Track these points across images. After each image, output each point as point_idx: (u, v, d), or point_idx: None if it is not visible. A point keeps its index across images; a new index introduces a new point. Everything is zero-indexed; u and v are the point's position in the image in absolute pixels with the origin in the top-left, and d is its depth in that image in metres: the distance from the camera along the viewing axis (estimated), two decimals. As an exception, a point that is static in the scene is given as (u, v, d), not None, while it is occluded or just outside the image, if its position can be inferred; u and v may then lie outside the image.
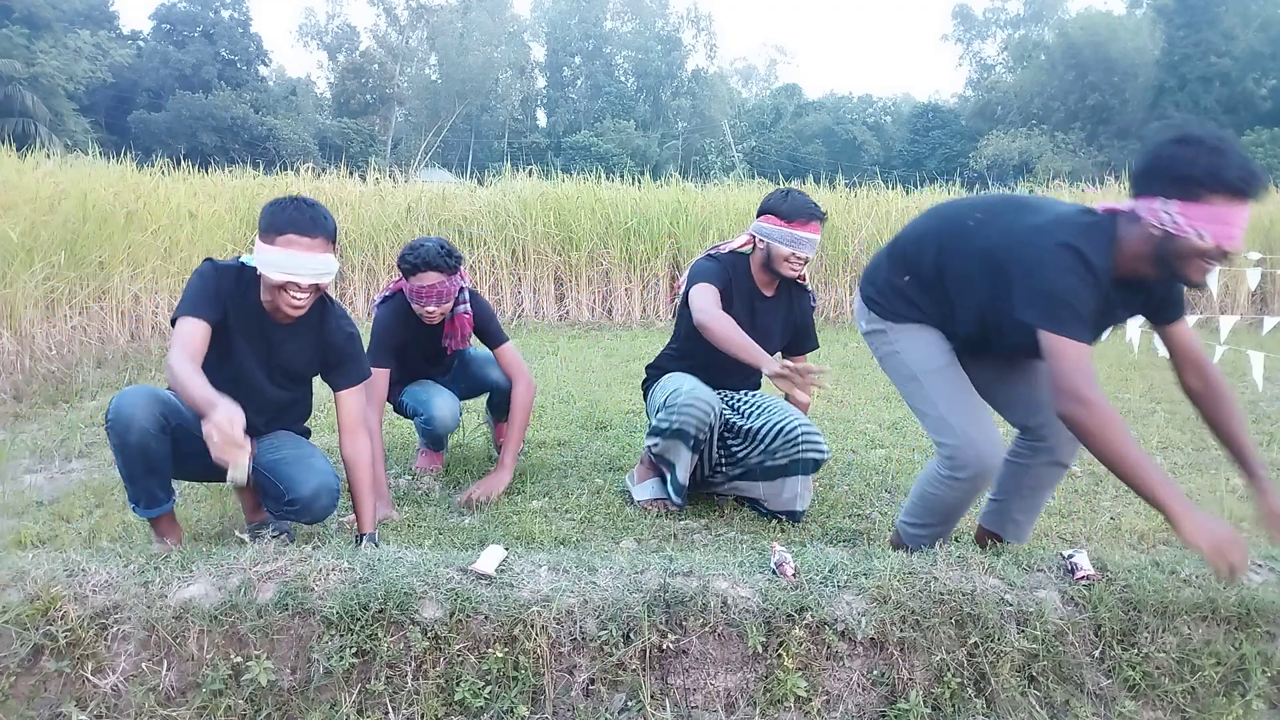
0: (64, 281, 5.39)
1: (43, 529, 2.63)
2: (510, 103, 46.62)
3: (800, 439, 2.73)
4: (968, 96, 48.32)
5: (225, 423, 1.83)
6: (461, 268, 2.95)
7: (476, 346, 3.34)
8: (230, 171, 9.33)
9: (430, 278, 2.84)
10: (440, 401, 3.14)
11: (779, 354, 2.98)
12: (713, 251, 2.94)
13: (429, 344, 3.14)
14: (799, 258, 2.78)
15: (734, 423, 2.87)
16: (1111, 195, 9.92)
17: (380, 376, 2.87)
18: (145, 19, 56.21)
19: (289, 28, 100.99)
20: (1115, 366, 5.87)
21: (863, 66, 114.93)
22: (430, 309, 2.89)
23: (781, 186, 2.85)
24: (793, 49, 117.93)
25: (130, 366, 5.32)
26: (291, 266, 2.13)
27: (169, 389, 2.21)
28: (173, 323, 2.20)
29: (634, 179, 9.56)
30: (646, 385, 3.07)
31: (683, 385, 2.79)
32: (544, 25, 50.44)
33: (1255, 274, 5.66)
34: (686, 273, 2.89)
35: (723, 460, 2.88)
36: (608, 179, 9.54)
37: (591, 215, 8.34)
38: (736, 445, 2.85)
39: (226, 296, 2.23)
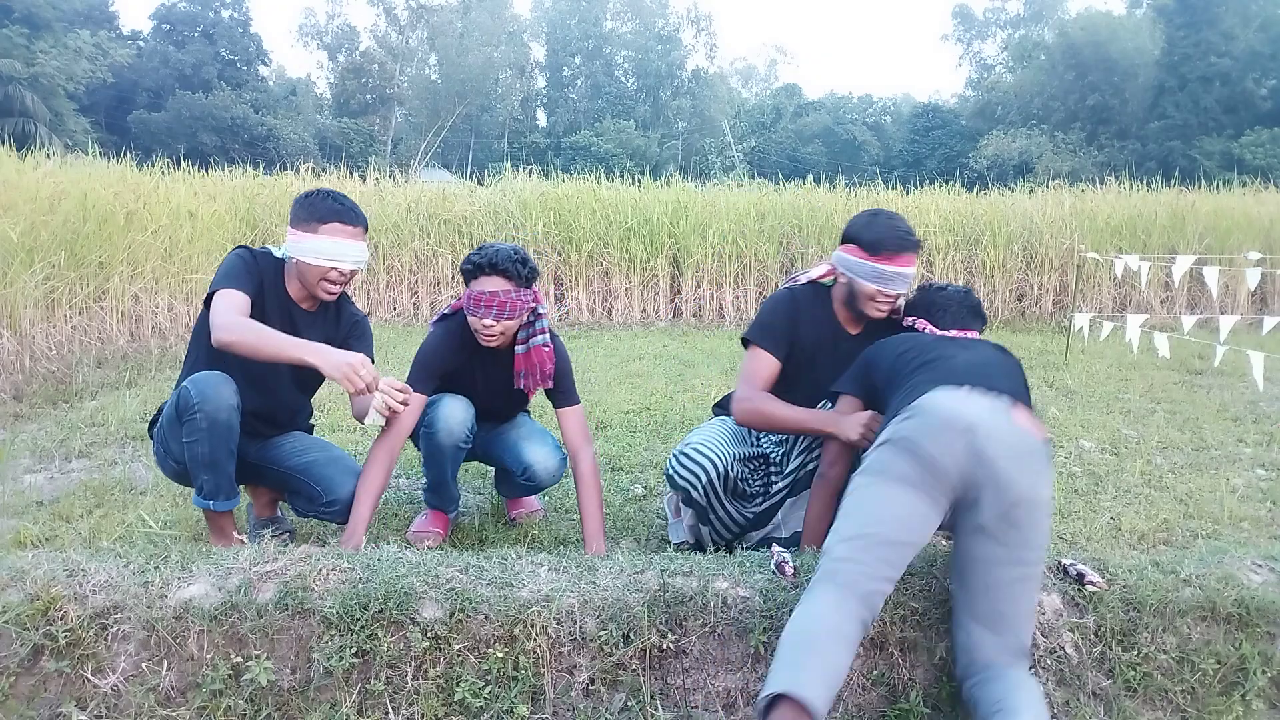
0: (64, 281, 5.39)
1: (43, 529, 2.63)
2: (510, 103, 46.61)
3: None
4: (968, 96, 48.32)
5: (365, 365, 2.02)
6: (536, 289, 2.46)
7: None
8: (230, 171, 9.32)
9: (493, 283, 2.34)
10: (450, 404, 2.48)
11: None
12: (790, 283, 2.50)
13: (490, 383, 2.56)
14: (887, 296, 2.28)
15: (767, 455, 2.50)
16: (1112, 195, 9.93)
17: (412, 405, 2.32)
18: (145, 19, 56.28)
19: (289, 28, 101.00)
20: (1115, 366, 5.87)
21: (863, 66, 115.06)
22: (488, 322, 2.33)
23: (870, 208, 2.36)
24: (793, 49, 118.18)
25: (130, 366, 5.31)
26: (336, 253, 2.24)
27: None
28: (207, 302, 2.21)
29: (634, 179, 9.55)
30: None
31: (702, 434, 2.42)
32: (544, 25, 50.43)
33: (1255, 274, 5.66)
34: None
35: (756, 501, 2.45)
36: (608, 179, 9.53)
37: (591, 215, 8.34)
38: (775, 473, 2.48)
39: (263, 278, 2.30)
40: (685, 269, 8.42)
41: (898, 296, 2.32)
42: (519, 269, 2.36)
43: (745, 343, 2.44)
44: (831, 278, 2.42)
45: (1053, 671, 1.85)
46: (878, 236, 2.24)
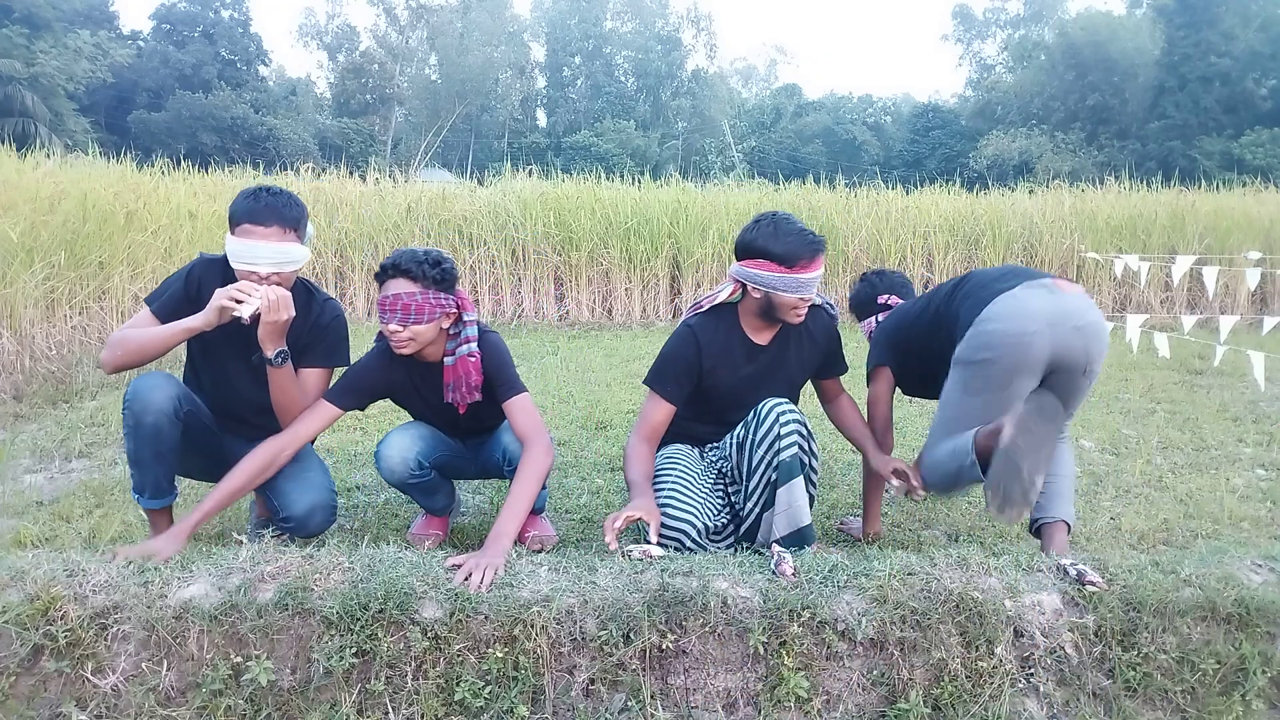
0: (64, 281, 5.38)
1: (43, 529, 2.63)
2: (510, 103, 46.60)
3: (782, 433, 2.21)
4: (968, 96, 48.32)
5: (232, 288, 2.06)
6: (462, 294, 2.33)
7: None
8: (230, 171, 9.32)
9: (397, 285, 2.22)
10: (395, 438, 2.41)
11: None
12: (693, 317, 2.44)
13: (436, 400, 2.42)
14: (805, 301, 2.32)
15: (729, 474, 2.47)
16: (1112, 195, 9.94)
17: (317, 414, 2.24)
18: (145, 19, 56.35)
19: (289, 28, 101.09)
20: (1115, 367, 5.87)
21: (863, 66, 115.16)
22: (393, 328, 2.21)
23: (761, 214, 2.34)
24: (793, 49, 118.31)
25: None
26: (248, 256, 2.13)
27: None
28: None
29: (634, 179, 9.55)
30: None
31: (666, 490, 2.31)
32: (544, 25, 50.42)
33: (1255, 274, 5.66)
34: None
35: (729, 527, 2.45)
36: (608, 179, 9.53)
37: (591, 215, 8.34)
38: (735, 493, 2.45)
39: (203, 292, 2.20)
40: (685, 269, 8.42)
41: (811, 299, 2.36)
42: (424, 269, 2.22)
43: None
44: (738, 294, 2.38)
45: (1053, 671, 1.85)
46: (790, 249, 2.24)
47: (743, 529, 2.35)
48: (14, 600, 1.71)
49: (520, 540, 2.55)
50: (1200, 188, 10.50)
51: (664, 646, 1.78)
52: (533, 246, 8.24)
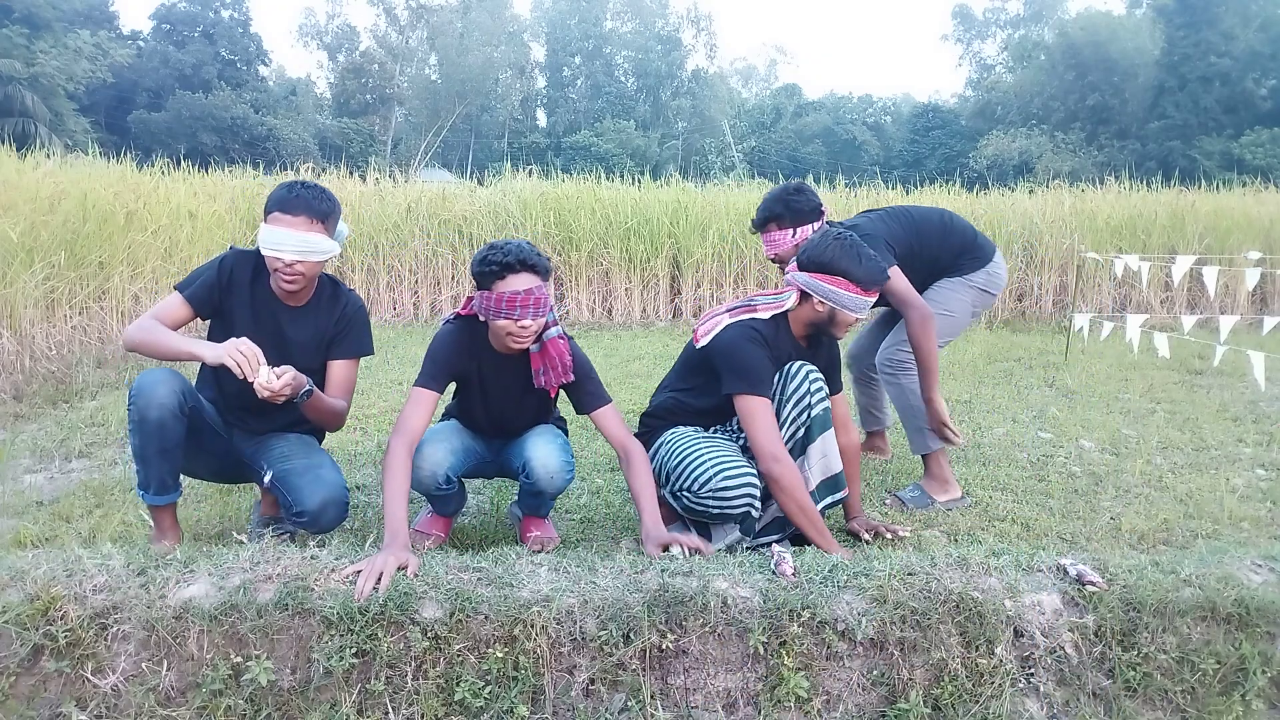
0: (64, 281, 5.38)
1: (43, 529, 2.63)
2: (510, 103, 46.61)
3: (811, 394, 2.41)
4: (968, 96, 48.35)
5: (239, 345, 2.05)
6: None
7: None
8: (230, 171, 9.31)
9: (524, 279, 2.22)
10: (428, 450, 2.39)
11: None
12: (752, 320, 2.47)
13: (499, 391, 2.47)
14: (859, 320, 2.51)
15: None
16: (1111, 195, 9.94)
17: (422, 403, 2.25)
18: (145, 19, 56.38)
19: (289, 28, 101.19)
20: (1115, 366, 5.87)
21: (863, 66, 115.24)
22: (526, 322, 2.23)
23: (837, 234, 2.46)
24: (793, 49, 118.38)
25: (130, 367, 5.32)
26: (273, 241, 2.20)
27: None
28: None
29: (634, 179, 9.54)
30: (647, 438, 2.62)
31: (709, 459, 2.33)
32: (544, 25, 50.43)
33: (1255, 274, 5.66)
34: (715, 330, 2.47)
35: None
36: (608, 179, 9.52)
37: (591, 215, 8.33)
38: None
39: (233, 279, 2.30)
40: (685, 269, 8.42)
41: None
42: (545, 262, 2.28)
43: (732, 396, 2.38)
44: (797, 303, 2.49)
45: (1053, 671, 1.85)
46: (870, 274, 2.42)
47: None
48: (14, 600, 1.71)
49: (521, 541, 2.59)
50: (1200, 188, 10.49)
51: (664, 646, 1.78)
52: (533, 246, 8.23)
